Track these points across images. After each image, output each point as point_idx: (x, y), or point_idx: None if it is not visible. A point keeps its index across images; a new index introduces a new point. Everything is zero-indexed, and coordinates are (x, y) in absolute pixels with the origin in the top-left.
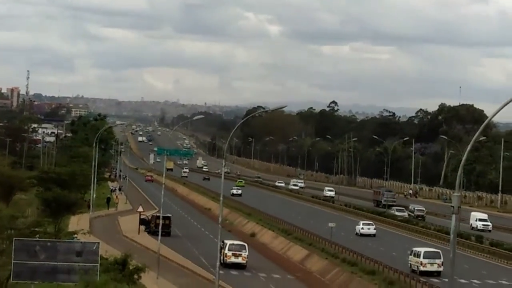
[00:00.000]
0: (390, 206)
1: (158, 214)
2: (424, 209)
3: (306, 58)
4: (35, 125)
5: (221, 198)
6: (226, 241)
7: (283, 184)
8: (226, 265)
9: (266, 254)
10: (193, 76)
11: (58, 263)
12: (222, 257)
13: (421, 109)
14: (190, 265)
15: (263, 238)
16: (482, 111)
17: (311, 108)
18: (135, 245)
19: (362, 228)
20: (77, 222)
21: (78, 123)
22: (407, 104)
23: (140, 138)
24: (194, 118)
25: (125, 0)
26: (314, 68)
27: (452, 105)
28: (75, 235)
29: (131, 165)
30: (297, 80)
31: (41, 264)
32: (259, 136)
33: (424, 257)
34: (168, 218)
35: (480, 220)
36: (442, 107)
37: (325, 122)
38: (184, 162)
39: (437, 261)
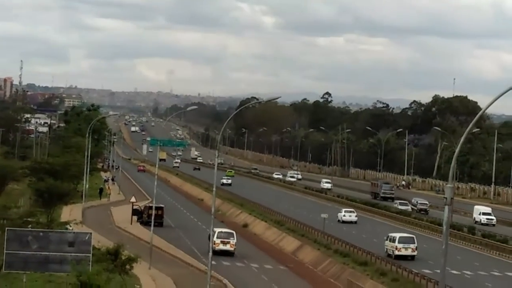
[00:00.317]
0: (387, 199)
1: (150, 205)
2: (427, 202)
3: (300, 49)
4: (28, 115)
5: (214, 189)
6: (215, 229)
7: (280, 176)
8: (215, 252)
9: (258, 245)
10: (186, 67)
11: (51, 253)
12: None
13: (414, 101)
14: (183, 255)
15: (256, 229)
16: (476, 103)
17: (305, 99)
18: (127, 235)
19: (344, 216)
20: (69, 213)
21: (71, 113)
22: (401, 96)
23: (133, 128)
24: (188, 109)
25: None
26: (308, 59)
27: (446, 97)
28: (70, 226)
29: (124, 156)
30: (291, 72)
31: (33, 254)
32: (253, 127)
33: (399, 242)
34: (161, 208)
35: (484, 214)
36: (436, 99)
37: (319, 114)
38: (178, 153)
39: (411, 245)
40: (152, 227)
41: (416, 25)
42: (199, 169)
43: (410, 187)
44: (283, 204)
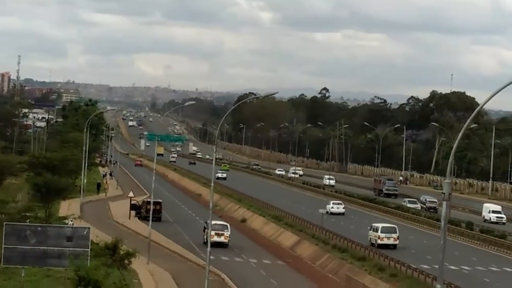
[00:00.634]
0: (391, 195)
1: (148, 200)
2: (436, 200)
3: (297, 45)
4: (26, 110)
5: (212, 184)
6: (209, 222)
7: (283, 172)
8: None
9: (256, 240)
10: (184, 62)
11: (49, 247)
12: (205, 237)
13: (412, 97)
14: (181, 250)
15: (254, 224)
16: (474, 98)
17: (303, 94)
18: (125, 230)
19: (332, 207)
20: (67, 207)
21: (69, 108)
22: (398, 91)
23: (130, 123)
24: (185, 104)
25: None
26: (306, 55)
27: (443, 93)
28: (71, 220)
29: (122, 151)
30: (289, 67)
31: (32, 249)
32: (250, 123)
33: (381, 232)
34: (159, 203)
35: (494, 212)
36: (434, 95)
37: (316, 109)
38: (177, 148)
39: (393, 235)
40: (150, 222)
41: (414, 20)
42: (194, 163)
43: (408, 182)
44: (281, 199)
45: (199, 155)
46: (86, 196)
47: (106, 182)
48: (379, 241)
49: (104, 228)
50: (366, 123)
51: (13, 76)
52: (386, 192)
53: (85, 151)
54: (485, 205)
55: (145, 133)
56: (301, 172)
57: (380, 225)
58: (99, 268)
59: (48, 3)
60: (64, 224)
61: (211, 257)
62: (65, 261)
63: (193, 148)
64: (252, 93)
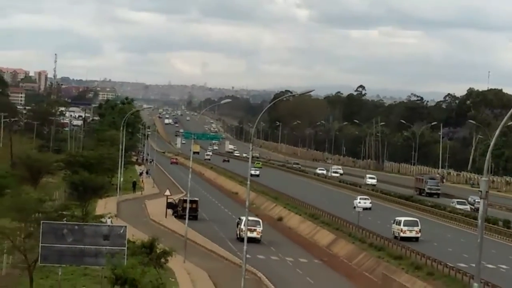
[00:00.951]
0: (433, 195)
1: (185, 198)
2: None
3: (334, 42)
4: (63, 109)
5: (248, 182)
6: (242, 217)
7: (324, 172)
8: (242, 240)
9: (293, 238)
10: (220, 60)
11: (86, 246)
12: (238, 232)
13: (449, 94)
14: (217, 249)
15: (290, 222)
16: (511, 95)
17: (339, 92)
18: (162, 228)
19: (359, 202)
20: (104, 206)
21: (105, 106)
22: (435, 89)
23: (166, 121)
24: (222, 102)
25: None
26: (342, 52)
27: (480, 90)
28: (109, 217)
29: (158, 149)
30: (325, 64)
31: (69, 247)
32: (286, 120)
33: (404, 225)
34: (195, 201)
35: None
36: (471, 92)
37: (353, 107)
38: (214, 147)
39: (415, 228)
40: (186, 221)
41: (451, 17)
42: (228, 161)
43: (444, 180)
44: (317, 197)
45: (236, 153)
46: (123, 194)
47: (142, 181)
48: (402, 234)
49: (141, 226)
50: (402, 121)
51: (50, 75)
52: (429, 191)
53: (122, 150)
54: None
55: (181, 131)
56: (341, 171)
57: (402, 218)
58: (135, 266)
59: (85, 2)
60: (101, 223)
61: (248, 256)
62: (102, 260)
63: (229, 146)
64: (288, 91)
